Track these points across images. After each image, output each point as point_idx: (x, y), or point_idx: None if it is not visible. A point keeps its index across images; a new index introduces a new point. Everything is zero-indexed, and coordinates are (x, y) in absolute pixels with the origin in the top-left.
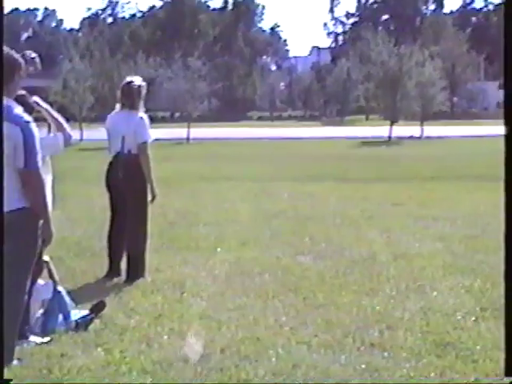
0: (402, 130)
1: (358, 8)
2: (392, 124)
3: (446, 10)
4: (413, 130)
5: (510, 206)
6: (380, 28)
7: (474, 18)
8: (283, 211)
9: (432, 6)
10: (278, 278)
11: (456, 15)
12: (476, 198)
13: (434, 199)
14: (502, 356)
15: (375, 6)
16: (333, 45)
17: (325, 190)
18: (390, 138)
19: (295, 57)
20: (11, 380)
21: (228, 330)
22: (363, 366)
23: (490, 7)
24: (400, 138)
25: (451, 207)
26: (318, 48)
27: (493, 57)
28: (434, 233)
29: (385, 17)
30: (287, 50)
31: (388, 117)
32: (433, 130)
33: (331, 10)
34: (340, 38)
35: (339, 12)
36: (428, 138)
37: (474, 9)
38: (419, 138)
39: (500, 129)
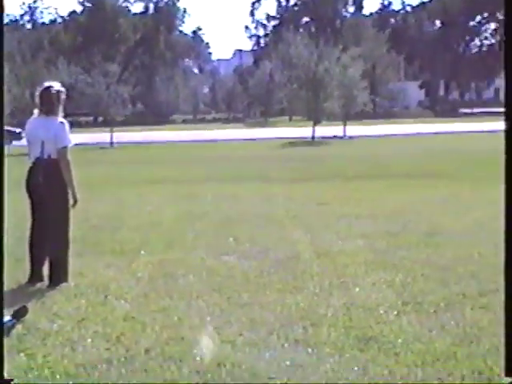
0: (325, 130)
1: (278, 11)
2: (315, 124)
3: (365, 12)
4: (336, 129)
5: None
6: (301, 30)
7: (392, 20)
8: (207, 213)
9: (351, 9)
10: (202, 279)
11: (375, 17)
12: (398, 195)
13: (357, 198)
14: (423, 348)
15: (295, 8)
16: (255, 47)
17: (249, 190)
18: (313, 138)
19: (218, 60)
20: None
21: (152, 331)
22: (287, 363)
23: (408, 9)
24: (323, 138)
25: (374, 205)
26: (241, 51)
27: (412, 57)
28: (356, 231)
29: (305, 19)
30: (210, 53)
31: (311, 117)
32: (355, 129)
33: (252, 13)
34: (262, 40)
35: (260, 15)
36: (351, 137)
37: (393, 10)
38: (342, 137)
39: (420, 127)
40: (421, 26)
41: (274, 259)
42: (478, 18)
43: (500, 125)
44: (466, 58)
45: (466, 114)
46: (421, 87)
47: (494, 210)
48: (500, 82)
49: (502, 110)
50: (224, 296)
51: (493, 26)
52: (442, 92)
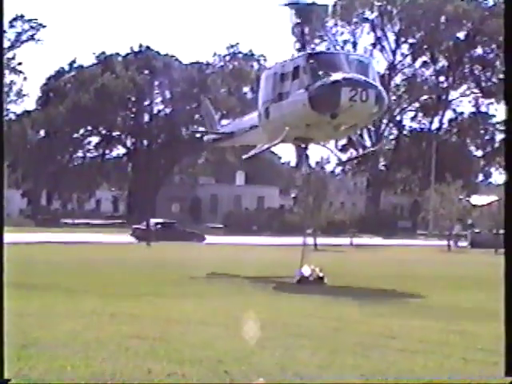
0: None
1: None
2: None
3: None
4: None
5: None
6: None
7: None
8: None
9: None
10: None
11: None
12: None
13: None
14: None
15: None
16: None
17: None
18: None
19: None
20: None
21: None
22: None
23: (12, 116)
24: None
25: None
26: None
27: (15, 165)
28: None
29: None
30: None
31: None
32: None
33: None
34: None
35: None
36: None
37: None
38: None
39: (21, 236)
40: (24, 135)
41: None
42: (82, 130)
43: (100, 237)
44: (69, 169)
45: (67, 224)
46: (23, 196)
47: (87, 321)
48: (101, 194)
49: (103, 221)
50: None
51: (95, 139)
52: (44, 201)
